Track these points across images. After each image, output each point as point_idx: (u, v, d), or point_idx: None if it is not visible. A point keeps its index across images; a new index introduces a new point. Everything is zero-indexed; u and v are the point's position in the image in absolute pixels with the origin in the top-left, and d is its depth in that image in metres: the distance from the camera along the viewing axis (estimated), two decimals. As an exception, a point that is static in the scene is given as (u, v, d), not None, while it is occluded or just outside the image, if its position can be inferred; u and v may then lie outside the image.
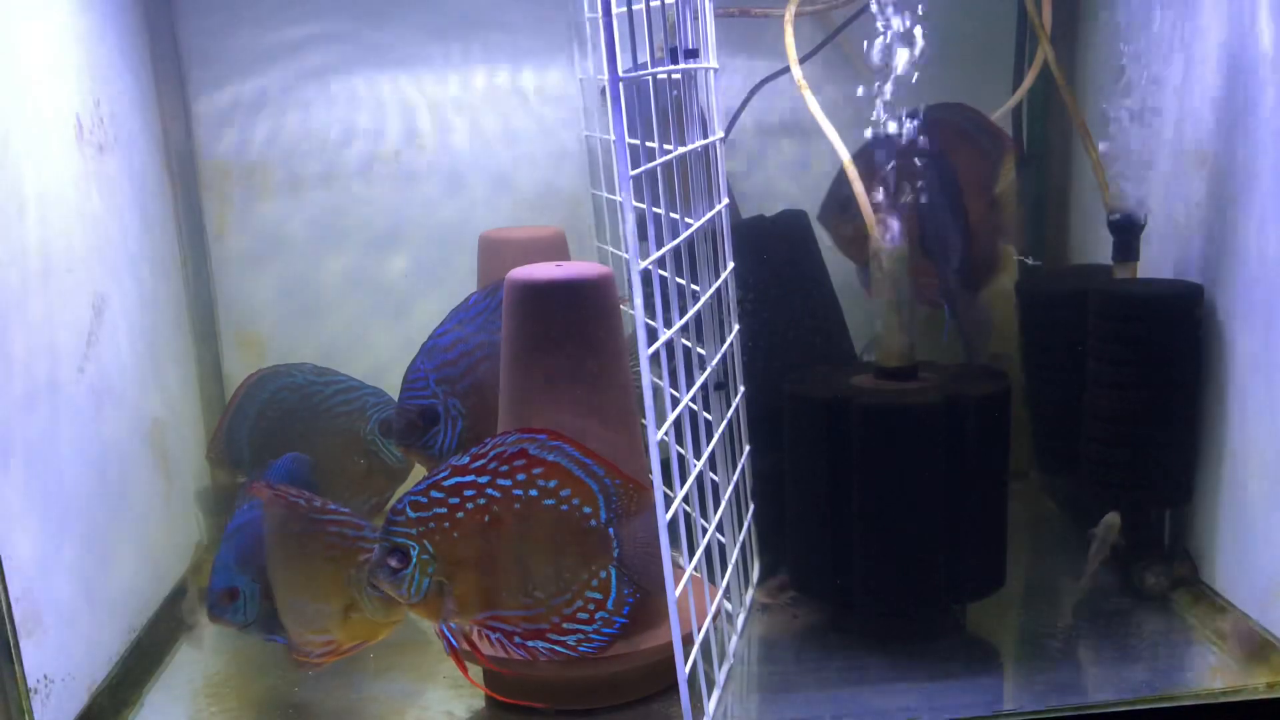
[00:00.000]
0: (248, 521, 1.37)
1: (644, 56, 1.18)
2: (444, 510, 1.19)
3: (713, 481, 1.33)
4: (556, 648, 1.22)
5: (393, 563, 1.19)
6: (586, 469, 1.21)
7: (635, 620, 1.25)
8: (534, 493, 1.20)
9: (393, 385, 1.50)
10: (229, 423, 1.60)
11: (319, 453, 1.53)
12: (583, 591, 1.22)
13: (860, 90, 1.42)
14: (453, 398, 1.46)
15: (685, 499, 1.18)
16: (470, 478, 1.19)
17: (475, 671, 1.30)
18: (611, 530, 1.22)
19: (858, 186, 1.44)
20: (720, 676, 1.30)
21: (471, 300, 1.48)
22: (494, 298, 1.45)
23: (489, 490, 1.19)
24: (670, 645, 1.20)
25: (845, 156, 1.47)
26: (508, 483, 1.19)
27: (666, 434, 1.16)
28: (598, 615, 1.22)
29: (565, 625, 1.22)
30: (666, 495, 1.11)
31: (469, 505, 1.19)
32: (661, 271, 1.20)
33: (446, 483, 1.19)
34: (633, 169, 1.08)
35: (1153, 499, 1.49)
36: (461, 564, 1.20)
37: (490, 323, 1.45)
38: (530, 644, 1.21)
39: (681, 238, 1.25)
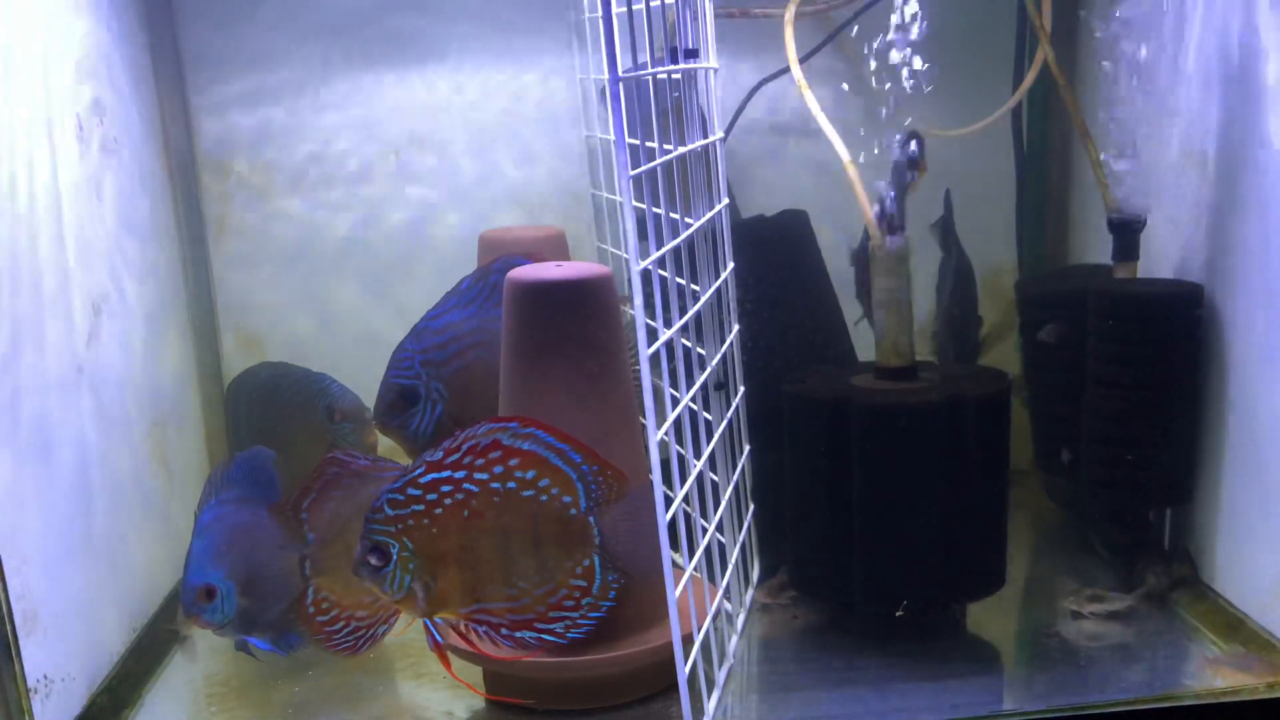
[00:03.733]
0: (219, 516, 1.35)
1: (644, 56, 1.18)
2: (421, 507, 1.18)
3: (712, 481, 1.33)
4: (545, 636, 1.22)
5: (373, 560, 1.19)
6: (563, 455, 1.20)
7: (635, 618, 1.24)
8: (512, 485, 1.19)
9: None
10: (234, 441, 1.62)
11: (295, 443, 1.53)
12: (567, 580, 1.22)
13: (859, 89, 1.42)
14: (436, 381, 1.45)
15: (685, 499, 1.18)
16: (446, 473, 1.18)
17: (460, 667, 1.28)
18: (592, 518, 1.22)
19: (858, 186, 1.44)
20: (720, 676, 1.30)
21: (465, 285, 1.47)
22: (486, 281, 1.45)
23: (466, 485, 1.19)
24: (670, 645, 1.20)
25: (845, 156, 1.47)
26: (485, 476, 1.19)
27: (666, 434, 1.16)
28: (584, 601, 1.22)
29: (552, 614, 1.22)
30: (666, 495, 1.11)
31: (447, 501, 1.18)
32: (661, 271, 1.19)
33: (423, 479, 1.18)
34: (633, 169, 1.08)
35: (1153, 499, 1.49)
36: (443, 559, 1.19)
37: (485, 309, 1.44)
38: (518, 634, 1.21)
39: (681, 238, 1.25)
